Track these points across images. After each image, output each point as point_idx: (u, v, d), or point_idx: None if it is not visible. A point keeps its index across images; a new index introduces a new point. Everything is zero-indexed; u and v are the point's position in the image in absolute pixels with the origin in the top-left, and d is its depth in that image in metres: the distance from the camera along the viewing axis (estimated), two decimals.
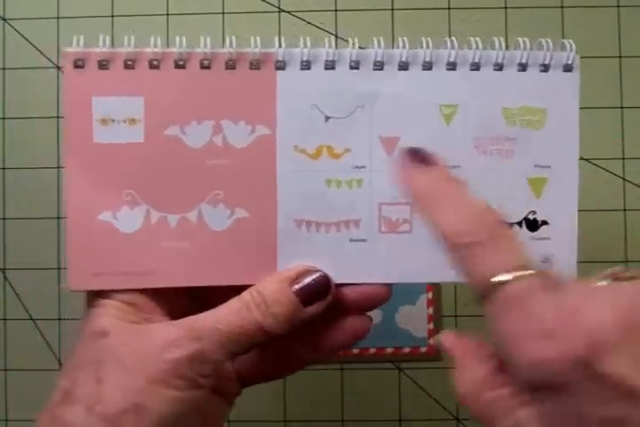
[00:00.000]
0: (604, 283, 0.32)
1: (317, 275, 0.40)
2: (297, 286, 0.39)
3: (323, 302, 0.39)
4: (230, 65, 0.39)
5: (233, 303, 0.39)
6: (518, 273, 0.32)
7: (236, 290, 0.39)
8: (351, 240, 0.41)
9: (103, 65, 0.39)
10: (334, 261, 0.40)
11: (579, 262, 0.41)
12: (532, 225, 0.41)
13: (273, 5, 0.63)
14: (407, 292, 0.64)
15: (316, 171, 0.40)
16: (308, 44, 0.40)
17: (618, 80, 0.65)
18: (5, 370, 0.66)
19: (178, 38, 0.39)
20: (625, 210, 0.65)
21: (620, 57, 0.65)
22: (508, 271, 0.32)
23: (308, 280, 0.39)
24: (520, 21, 0.62)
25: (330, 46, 0.40)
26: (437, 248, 0.41)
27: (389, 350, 0.64)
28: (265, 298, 0.38)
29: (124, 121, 0.39)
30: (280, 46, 0.40)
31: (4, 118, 0.67)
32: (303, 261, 0.40)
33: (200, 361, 0.37)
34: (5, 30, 0.66)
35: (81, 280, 0.39)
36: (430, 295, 0.64)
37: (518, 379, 0.31)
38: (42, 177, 0.66)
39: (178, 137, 0.40)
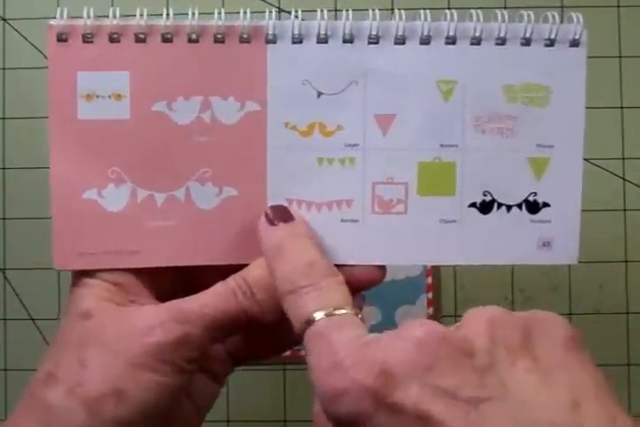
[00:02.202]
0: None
1: None
2: None
3: None
4: (219, 39, 0.38)
5: (218, 288, 0.37)
6: (328, 312, 0.33)
7: (226, 271, 0.38)
8: (342, 220, 0.39)
9: (88, 38, 0.38)
10: (325, 242, 0.38)
11: (579, 263, 0.40)
12: (533, 207, 0.40)
13: (273, 5, 0.62)
14: (407, 291, 0.63)
15: (308, 149, 0.39)
16: (300, 15, 0.38)
17: (618, 80, 0.64)
18: (5, 370, 0.66)
19: (165, 11, 0.38)
20: (625, 210, 0.65)
21: (620, 57, 0.64)
22: (320, 311, 0.33)
23: None
24: None
25: (323, 18, 0.38)
26: (432, 230, 0.39)
27: None
28: (250, 285, 0.37)
29: (109, 96, 0.38)
30: (271, 19, 0.38)
31: (4, 118, 0.66)
32: None
33: (184, 345, 0.36)
34: (5, 30, 0.66)
35: (66, 260, 0.38)
36: (430, 295, 0.63)
37: (326, 415, 0.31)
38: (42, 177, 0.65)
39: (164, 113, 0.38)
